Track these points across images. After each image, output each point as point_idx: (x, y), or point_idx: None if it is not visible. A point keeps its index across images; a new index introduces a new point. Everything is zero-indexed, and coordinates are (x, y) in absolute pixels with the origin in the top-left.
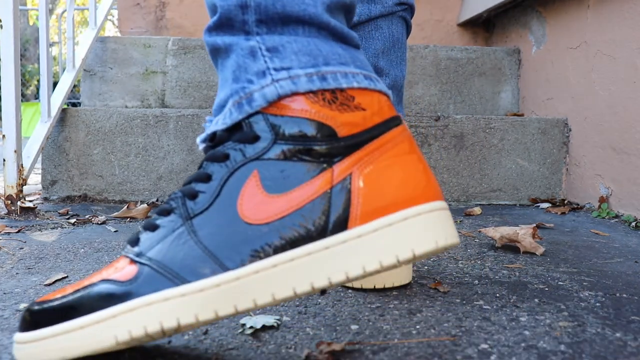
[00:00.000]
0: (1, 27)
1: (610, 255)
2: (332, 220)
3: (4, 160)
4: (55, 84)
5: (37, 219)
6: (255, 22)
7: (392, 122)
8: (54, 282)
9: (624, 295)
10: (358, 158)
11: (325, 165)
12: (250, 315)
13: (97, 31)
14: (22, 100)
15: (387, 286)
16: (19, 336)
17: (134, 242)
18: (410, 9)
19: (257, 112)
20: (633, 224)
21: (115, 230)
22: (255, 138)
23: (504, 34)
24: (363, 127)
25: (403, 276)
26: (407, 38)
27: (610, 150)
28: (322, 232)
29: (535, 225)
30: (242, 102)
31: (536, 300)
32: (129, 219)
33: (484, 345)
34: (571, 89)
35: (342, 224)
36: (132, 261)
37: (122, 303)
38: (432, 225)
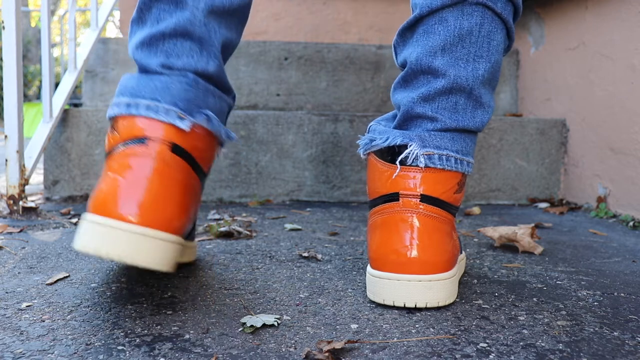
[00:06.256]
0: (4, 29)
1: (608, 254)
2: None
3: (7, 160)
4: (57, 85)
5: (39, 218)
6: None
7: (130, 142)
8: (55, 282)
9: (622, 295)
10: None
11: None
12: (251, 315)
13: (99, 32)
14: (24, 101)
15: (419, 306)
16: None
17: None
18: None
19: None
20: (631, 223)
21: None
22: None
23: None
24: (112, 145)
25: (440, 296)
26: (497, 27)
27: (608, 150)
28: None
29: (533, 225)
30: None
31: (535, 299)
32: None
33: (483, 344)
34: (569, 90)
35: None
36: None
37: None
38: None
